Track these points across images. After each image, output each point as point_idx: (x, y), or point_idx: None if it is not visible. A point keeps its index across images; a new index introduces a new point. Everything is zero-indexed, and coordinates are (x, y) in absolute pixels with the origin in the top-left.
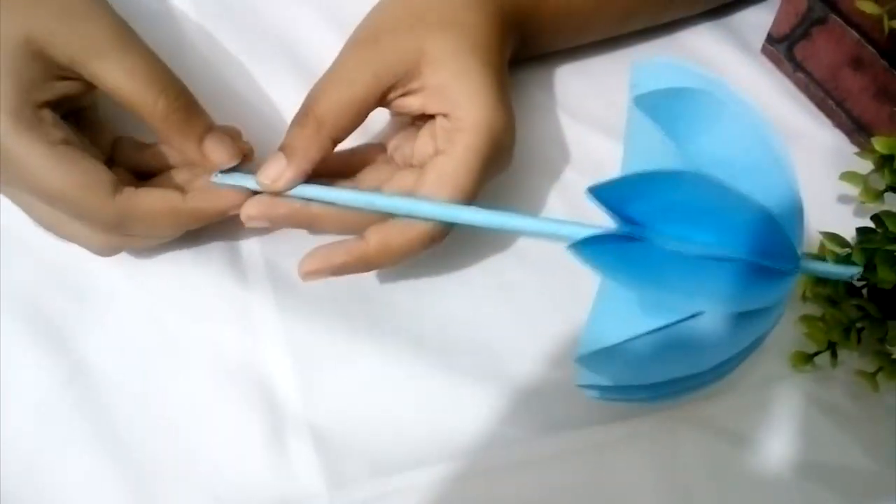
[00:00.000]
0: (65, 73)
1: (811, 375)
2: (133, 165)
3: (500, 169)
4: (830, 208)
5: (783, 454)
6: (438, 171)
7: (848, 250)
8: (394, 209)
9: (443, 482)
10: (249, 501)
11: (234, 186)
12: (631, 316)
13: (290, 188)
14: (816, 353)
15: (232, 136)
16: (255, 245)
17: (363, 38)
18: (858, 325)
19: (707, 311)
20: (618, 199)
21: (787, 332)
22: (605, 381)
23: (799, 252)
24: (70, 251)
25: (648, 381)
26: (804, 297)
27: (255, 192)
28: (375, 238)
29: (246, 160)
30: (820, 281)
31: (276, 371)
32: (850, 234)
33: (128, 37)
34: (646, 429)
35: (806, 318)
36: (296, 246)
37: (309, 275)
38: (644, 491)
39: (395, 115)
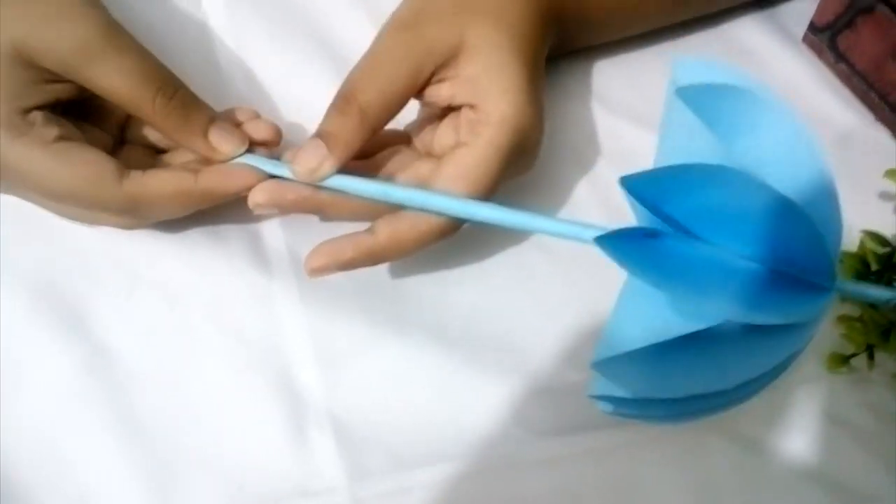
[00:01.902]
0: (56, 77)
1: (846, 378)
2: (147, 142)
3: (522, 169)
4: (872, 206)
5: (812, 461)
6: (457, 163)
7: (889, 249)
8: (409, 202)
9: (465, 478)
10: (269, 492)
11: (257, 170)
12: (657, 321)
13: (328, 178)
14: (853, 355)
15: (242, 120)
16: (278, 232)
17: (406, 24)
18: None
19: (739, 319)
20: (651, 194)
21: (823, 332)
22: (621, 392)
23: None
24: (90, 237)
25: (669, 396)
26: (843, 297)
27: (271, 176)
28: (385, 231)
29: (272, 144)
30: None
31: (299, 361)
32: (891, 233)
33: (119, 36)
34: (671, 431)
35: (843, 319)
36: (321, 233)
37: (315, 271)
38: (668, 493)
39: (424, 104)
